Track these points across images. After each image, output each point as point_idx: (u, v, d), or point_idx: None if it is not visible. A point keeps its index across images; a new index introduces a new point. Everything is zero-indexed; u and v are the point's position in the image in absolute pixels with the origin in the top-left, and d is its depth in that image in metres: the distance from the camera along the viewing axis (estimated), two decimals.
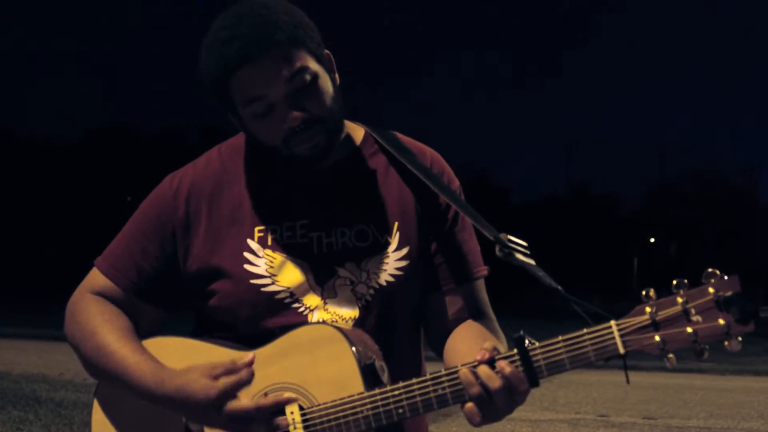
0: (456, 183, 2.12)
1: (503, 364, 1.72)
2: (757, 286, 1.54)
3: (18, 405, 7.34)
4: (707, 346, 1.54)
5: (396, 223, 2.04)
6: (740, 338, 1.51)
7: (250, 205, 2.04)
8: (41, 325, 19.14)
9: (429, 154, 2.13)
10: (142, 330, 2.07)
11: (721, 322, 1.53)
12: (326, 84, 1.94)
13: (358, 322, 1.97)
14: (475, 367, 1.74)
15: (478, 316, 2.10)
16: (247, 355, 1.89)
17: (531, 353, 1.69)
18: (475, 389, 1.73)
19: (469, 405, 1.75)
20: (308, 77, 1.89)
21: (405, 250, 2.03)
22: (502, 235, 1.88)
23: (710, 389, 11.26)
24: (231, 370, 1.87)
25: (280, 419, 1.85)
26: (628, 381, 1.64)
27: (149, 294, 2.07)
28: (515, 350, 1.71)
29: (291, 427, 1.85)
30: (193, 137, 60.76)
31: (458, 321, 2.08)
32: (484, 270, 2.12)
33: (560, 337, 1.67)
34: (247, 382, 1.86)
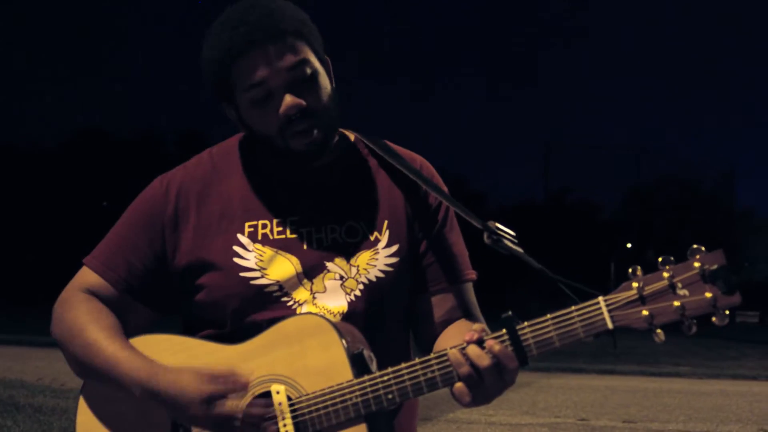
0: (445, 189, 2.13)
1: (492, 343, 1.73)
2: (742, 261, 1.54)
3: None
4: (695, 321, 1.55)
5: (386, 221, 2.05)
6: (727, 312, 1.52)
7: (241, 201, 2.05)
8: (19, 330, 19.00)
9: (419, 159, 2.16)
10: (130, 330, 2.06)
11: (708, 294, 1.54)
12: (325, 82, 1.99)
13: (346, 317, 1.98)
14: (464, 348, 1.75)
15: (467, 318, 2.11)
16: (247, 367, 1.88)
17: (520, 332, 1.70)
18: (465, 369, 1.74)
19: (459, 385, 1.76)
20: (309, 71, 1.94)
21: (395, 248, 2.04)
22: (490, 223, 1.90)
23: (689, 393, 11.33)
24: (227, 376, 1.86)
25: (268, 425, 1.85)
26: (615, 346, 1.65)
27: (139, 292, 2.07)
28: (504, 330, 1.71)
29: (279, 418, 1.84)
30: (169, 144, 60.67)
31: (446, 323, 2.09)
32: (472, 273, 2.14)
33: (548, 315, 1.68)
34: (240, 392, 1.86)
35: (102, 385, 2.00)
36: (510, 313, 1.70)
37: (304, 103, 1.93)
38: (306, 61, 1.94)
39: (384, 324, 2.03)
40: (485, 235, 1.88)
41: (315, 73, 1.96)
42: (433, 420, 7.85)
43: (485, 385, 1.75)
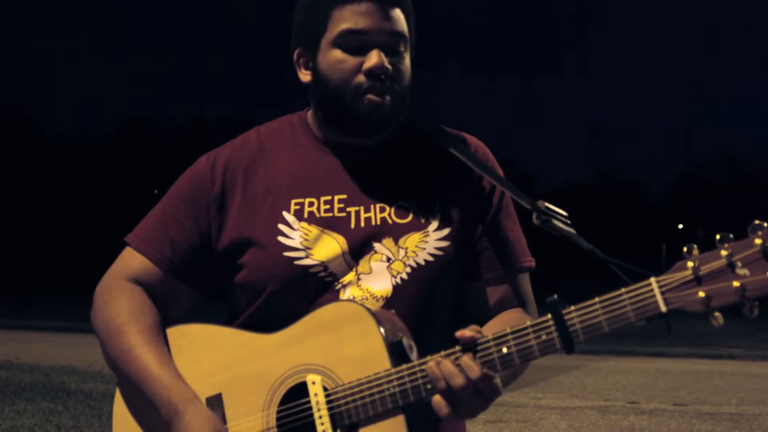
0: (500, 171, 2.04)
1: (468, 363, 1.66)
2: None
3: (47, 396, 7.36)
4: (757, 303, 1.44)
5: (438, 203, 1.97)
6: None
7: (288, 179, 1.99)
8: (70, 317, 19.29)
9: (474, 142, 2.08)
10: (174, 314, 2.03)
11: None
12: (408, 66, 1.97)
13: (390, 301, 1.90)
14: (439, 362, 1.68)
15: (522, 308, 2.02)
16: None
17: (566, 317, 1.60)
18: (441, 384, 1.68)
19: (436, 398, 1.69)
20: (402, 48, 1.94)
21: (446, 231, 1.96)
22: (540, 203, 1.82)
23: (741, 375, 11.12)
24: None
25: None
26: (669, 331, 1.53)
27: (183, 272, 2.02)
28: (549, 315, 1.62)
29: (315, 409, 1.78)
30: (213, 130, 61.16)
31: (499, 312, 2.01)
32: (530, 261, 2.05)
33: (597, 299, 1.58)
34: None
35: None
36: (555, 296, 1.60)
37: (390, 68, 1.90)
38: (404, 37, 1.94)
39: (430, 310, 1.94)
40: (534, 216, 1.79)
41: (404, 53, 1.95)
42: (506, 421, 7.77)
43: (464, 401, 1.68)
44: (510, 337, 1.66)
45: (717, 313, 1.46)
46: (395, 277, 1.92)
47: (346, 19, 1.90)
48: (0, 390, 7.51)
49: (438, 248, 1.94)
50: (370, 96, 1.90)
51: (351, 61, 1.90)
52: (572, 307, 1.60)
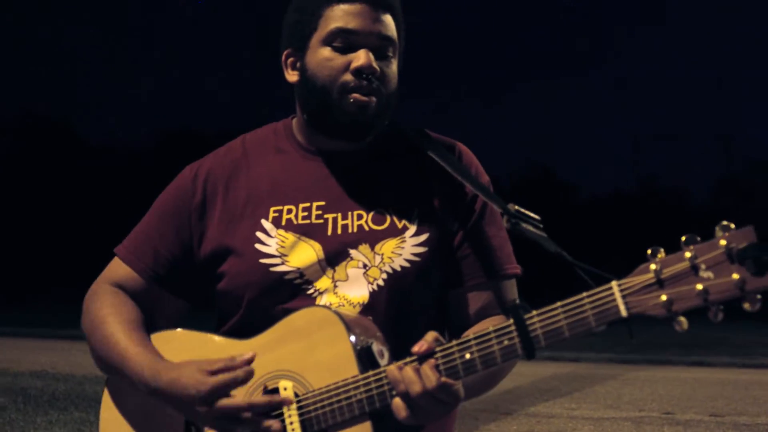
0: (485, 178, 2.04)
1: (427, 371, 1.65)
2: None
3: (80, 406, 7.42)
4: (722, 307, 1.38)
5: (416, 209, 1.96)
6: (759, 297, 1.34)
7: (269, 186, 2.01)
8: None
9: (458, 148, 2.07)
10: (159, 322, 2.05)
11: (735, 276, 1.37)
12: (395, 71, 1.97)
13: (367, 307, 1.90)
14: (402, 367, 1.68)
15: (506, 315, 1.98)
16: (246, 354, 1.83)
17: (528, 322, 1.57)
18: (401, 388, 1.67)
19: (396, 399, 1.69)
20: (390, 52, 1.95)
21: (424, 237, 1.95)
22: (510, 206, 1.80)
23: None
24: (227, 367, 1.82)
25: (269, 422, 1.78)
26: (631, 336, 1.48)
27: (167, 281, 2.05)
28: (511, 320, 1.59)
29: (286, 415, 1.79)
30: None
31: (481, 319, 1.98)
32: (515, 268, 2.02)
33: (559, 303, 1.54)
34: (243, 381, 1.81)
35: (119, 380, 1.98)
36: (518, 301, 1.56)
37: (378, 69, 1.90)
38: (393, 41, 1.96)
39: (407, 316, 1.92)
40: (504, 219, 1.78)
41: (392, 58, 1.96)
42: (514, 414, 7.70)
43: (423, 406, 1.67)
44: (473, 342, 1.63)
45: (681, 318, 1.41)
46: (371, 284, 1.91)
47: (337, 18, 1.91)
48: (34, 399, 7.58)
49: (414, 254, 1.93)
50: (356, 95, 1.90)
51: (339, 59, 1.91)
52: (534, 312, 1.56)
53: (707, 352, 15.01)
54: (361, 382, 1.72)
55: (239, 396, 1.81)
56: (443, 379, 1.64)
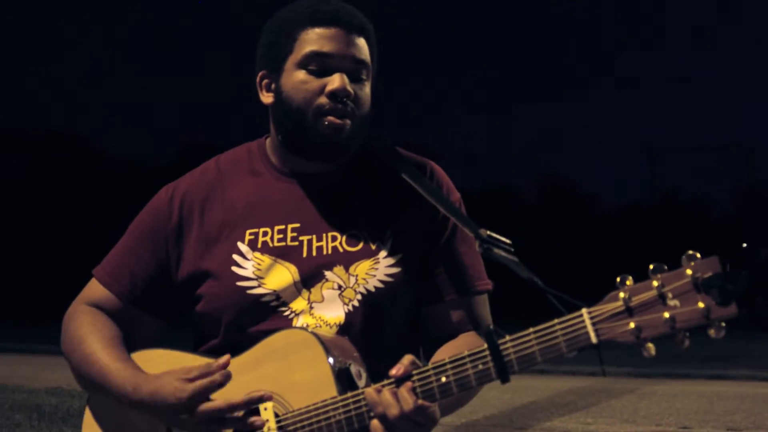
0: (456, 195, 2.08)
1: (405, 395, 1.69)
2: (741, 269, 1.39)
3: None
4: (688, 334, 1.42)
5: (389, 230, 2.00)
6: (723, 324, 1.38)
7: (244, 208, 2.04)
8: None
9: (429, 166, 2.10)
10: (138, 340, 2.08)
11: (701, 305, 1.42)
12: (368, 95, 2.01)
13: (343, 328, 1.94)
14: (380, 390, 1.71)
15: (477, 331, 2.03)
16: (221, 359, 1.87)
17: (502, 347, 1.61)
18: (379, 410, 1.71)
19: (374, 422, 1.72)
20: (364, 75, 1.99)
21: (397, 257, 1.99)
22: (482, 231, 1.83)
23: None
24: (204, 373, 1.86)
25: (253, 418, 1.82)
26: (604, 374, 1.52)
27: (143, 302, 2.08)
28: (485, 345, 1.63)
29: None
30: None
31: (454, 335, 2.02)
32: (485, 284, 2.06)
33: (531, 329, 1.58)
34: (221, 384, 1.84)
35: (102, 397, 2.02)
36: (491, 326, 1.60)
37: (353, 92, 1.94)
38: (366, 65, 2.00)
39: (383, 336, 1.97)
40: (477, 244, 1.82)
41: (366, 81, 2.00)
42: (528, 429, 7.70)
43: (400, 429, 1.71)
44: (449, 366, 1.67)
45: (649, 344, 1.45)
46: (347, 305, 1.95)
47: (313, 42, 1.95)
48: (49, 416, 7.63)
49: (388, 275, 1.97)
50: (330, 118, 1.93)
51: (315, 82, 1.95)
52: (507, 337, 1.61)
53: (726, 365, 14.89)
54: (340, 403, 1.76)
55: (215, 397, 1.85)
56: (420, 401, 1.68)
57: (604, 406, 9.62)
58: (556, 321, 1.54)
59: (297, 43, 1.97)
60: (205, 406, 1.83)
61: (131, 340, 2.08)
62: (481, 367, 1.64)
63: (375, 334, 1.95)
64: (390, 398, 1.69)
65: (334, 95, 1.93)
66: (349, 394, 1.76)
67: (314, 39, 1.95)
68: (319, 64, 1.95)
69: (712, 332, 1.41)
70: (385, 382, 1.72)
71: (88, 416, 2.09)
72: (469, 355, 1.65)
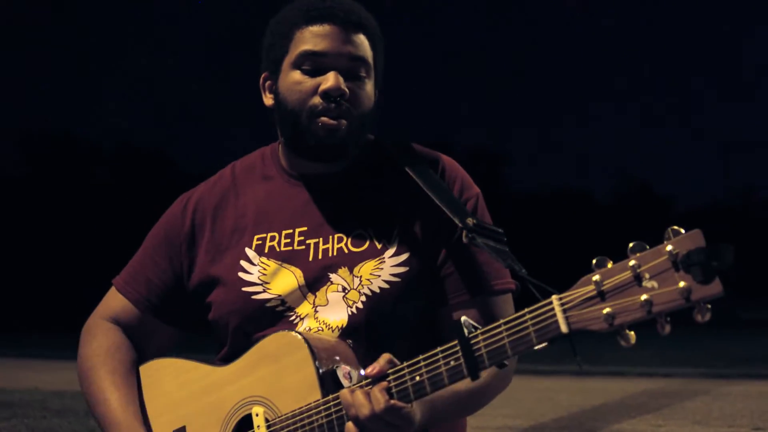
0: (472, 191, 2.00)
1: (378, 395, 1.62)
2: (728, 243, 1.22)
3: None
4: (668, 319, 1.26)
5: (396, 229, 1.93)
6: (708, 306, 1.22)
7: (254, 214, 2.02)
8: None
9: (442, 162, 2.02)
10: (153, 349, 2.09)
11: (681, 284, 1.26)
12: (370, 92, 1.95)
13: (346, 330, 1.88)
14: (353, 390, 1.66)
15: None
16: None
17: (472, 341, 1.49)
18: (352, 411, 1.65)
19: (348, 424, 1.66)
20: (363, 72, 1.92)
21: (404, 257, 1.91)
22: (468, 220, 1.77)
23: None
24: None
25: None
26: (580, 366, 1.37)
27: (160, 310, 2.08)
28: (455, 341, 1.52)
29: None
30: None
31: None
32: (505, 284, 1.95)
33: (502, 321, 1.47)
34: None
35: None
36: (463, 319, 1.47)
37: (347, 91, 1.87)
38: (365, 62, 1.92)
39: (390, 338, 1.88)
40: (463, 234, 1.74)
41: (366, 78, 1.93)
42: (597, 431, 7.49)
43: (373, 430, 1.64)
44: (422, 364, 1.59)
45: (630, 332, 1.30)
46: (351, 307, 1.89)
47: (306, 41, 1.90)
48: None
49: (394, 274, 1.89)
50: (324, 119, 1.88)
51: (308, 82, 1.89)
52: (479, 330, 1.49)
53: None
54: (322, 407, 1.71)
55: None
56: (392, 401, 1.60)
57: (677, 408, 9.35)
58: (526, 310, 1.42)
59: (292, 43, 1.93)
60: None
61: (146, 351, 2.09)
62: (452, 363, 1.54)
63: (380, 336, 1.87)
64: (362, 398, 1.63)
65: (327, 95, 1.87)
66: (331, 397, 1.70)
67: (308, 38, 1.91)
68: (312, 64, 1.90)
69: (698, 316, 1.25)
70: (363, 382, 1.66)
71: None
72: (442, 351, 1.56)
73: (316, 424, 1.71)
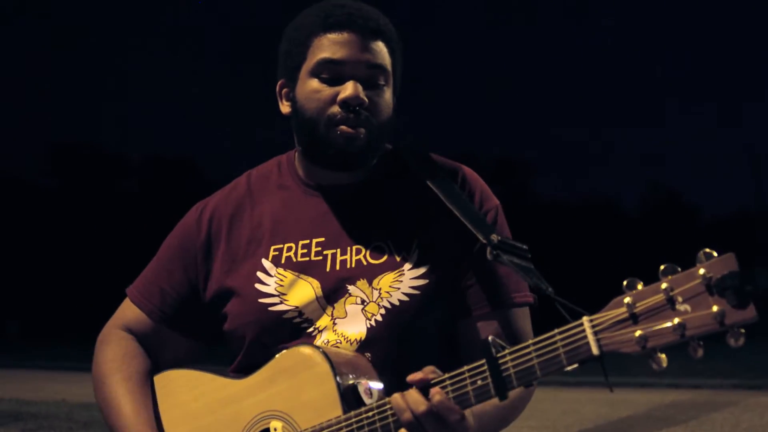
0: (491, 203, 1.97)
1: (435, 391, 1.56)
2: (760, 266, 1.20)
3: None
4: (701, 342, 1.24)
5: (415, 241, 1.91)
6: (742, 330, 1.21)
7: (270, 224, 1.99)
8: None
9: (462, 173, 2.00)
10: (169, 360, 2.06)
11: (714, 308, 1.25)
12: (389, 101, 1.93)
13: (364, 344, 1.85)
14: (405, 393, 1.60)
15: None
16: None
17: (500, 361, 1.47)
18: (407, 415, 1.59)
19: (401, 431, 1.61)
20: (382, 80, 1.90)
21: (423, 269, 1.88)
22: (493, 237, 1.74)
23: None
24: None
25: None
26: (611, 389, 1.35)
27: (173, 320, 2.05)
28: (483, 360, 1.50)
29: None
30: None
31: None
32: (524, 297, 1.93)
33: (530, 341, 1.45)
34: None
35: None
36: (491, 338, 1.46)
37: (366, 100, 1.85)
38: (384, 70, 1.91)
39: (409, 350, 1.85)
40: (487, 251, 1.71)
41: (385, 86, 1.91)
42: None
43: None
44: (448, 383, 1.56)
45: (661, 355, 1.28)
46: (369, 320, 1.86)
47: (324, 49, 1.88)
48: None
49: (413, 287, 1.87)
50: (343, 127, 1.86)
51: (327, 91, 1.88)
52: (507, 350, 1.48)
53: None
54: (344, 423, 1.68)
55: None
56: (450, 399, 1.56)
57: (704, 420, 9.25)
58: (556, 331, 1.40)
59: (310, 51, 1.90)
60: None
61: (159, 361, 2.05)
62: (480, 383, 1.52)
63: (399, 350, 1.85)
64: (417, 396, 1.58)
65: (345, 104, 1.85)
66: (352, 413, 1.67)
67: (326, 45, 1.88)
68: (331, 72, 1.87)
69: (731, 341, 1.24)
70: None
71: None
72: (468, 370, 1.53)
73: None
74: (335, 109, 1.86)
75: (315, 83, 1.88)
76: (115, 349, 2.05)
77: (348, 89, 1.85)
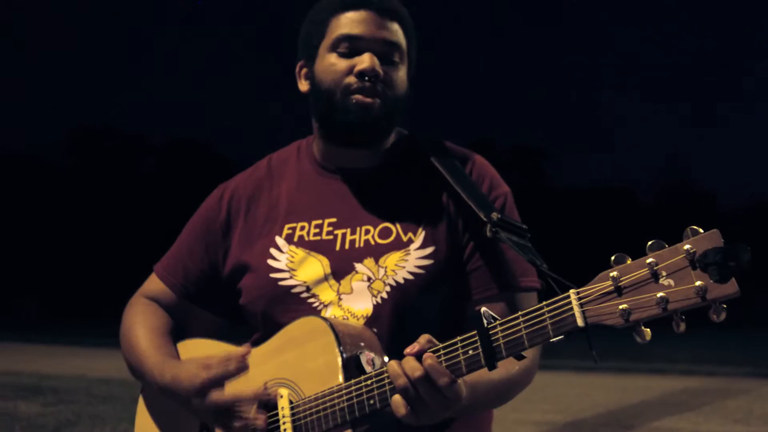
0: (501, 189, 2.03)
1: (427, 356, 1.61)
2: (743, 243, 1.23)
3: None
4: (683, 317, 1.28)
5: (423, 222, 1.98)
6: (724, 305, 1.23)
7: (286, 204, 2.08)
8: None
9: (472, 159, 2.07)
10: (194, 332, 2.15)
11: (697, 283, 1.28)
12: (403, 77, 2.00)
13: (371, 319, 1.92)
14: (402, 359, 1.65)
15: None
16: (241, 348, 1.89)
17: (491, 331, 1.52)
18: (401, 380, 1.63)
19: (395, 397, 1.65)
20: (397, 58, 1.98)
21: (429, 250, 1.95)
22: (493, 215, 1.81)
23: None
24: (222, 362, 1.87)
25: (257, 415, 1.83)
26: (596, 360, 1.39)
27: (195, 295, 2.15)
28: (474, 331, 1.55)
29: (281, 422, 1.85)
30: None
31: None
32: (531, 282, 1.97)
33: (520, 313, 1.50)
34: (234, 374, 1.85)
35: (145, 385, 2.10)
36: (483, 309, 1.50)
37: (382, 73, 1.93)
38: (400, 48, 1.98)
39: (414, 328, 1.87)
40: (486, 228, 1.78)
41: (400, 63, 1.98)
42: (636, 428, 7.45)
43: (423, 399, 1.62)
44: (441, 352, 1.62)
45: (645, 329, 1.31)
46: (375, 297, 1.93)
47: (343, 26, 1.96)
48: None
49: (419, 266, 1.93)
50: (358, 96, 1.93)
51: (343, 63, 1.95)
52: (497, 321, 1.52)
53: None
54: (344, 391, 1.74)
55: (230, 392, 1.87)
56: (444, 365, 1.60)
57: (718, 406, 9.26)
58: (544, 303, 1.45)
59: (329, 29, 1.98)
60: (216, 396, 1.84)
61: (186, 331, 2.15)
62: (471, 352, 1.57)
63: (404, 327, 1.90)
64: (413, 362, 1.62)
65: (361, 74, 1.92)
66: (353, 381, 1.73)
67: (345, 23, 1.96)
68: (348, 46, 1.95)
69: (713, 315, 1.27)
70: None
71: (141, 405, 2.17)
72: (461, 340, 1.58)
73: (337, 408, 1.74)
74: (351, 79, 1.93)
75: (333, 57, 1.96)
76: (142, 308, 2.16)
77: (365, 61, 1.92)
